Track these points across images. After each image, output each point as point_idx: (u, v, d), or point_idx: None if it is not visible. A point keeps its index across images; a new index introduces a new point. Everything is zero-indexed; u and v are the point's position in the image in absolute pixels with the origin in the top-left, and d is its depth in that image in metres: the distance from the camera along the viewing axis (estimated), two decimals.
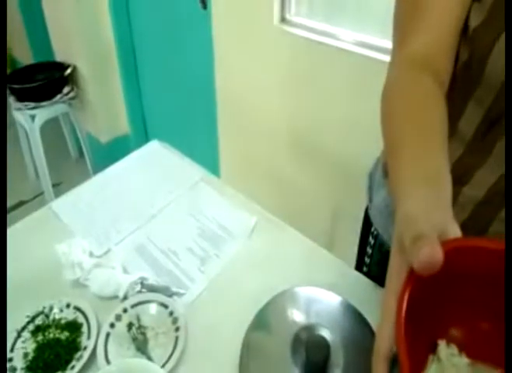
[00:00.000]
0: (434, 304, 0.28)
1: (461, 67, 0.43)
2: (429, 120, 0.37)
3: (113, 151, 1.96)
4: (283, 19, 1.23)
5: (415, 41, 0.41)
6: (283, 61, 1.25)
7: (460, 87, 0.44)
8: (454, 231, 0.28)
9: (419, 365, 0.28)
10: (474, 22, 0.40)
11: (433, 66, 0.40)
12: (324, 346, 0.46)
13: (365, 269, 0.69)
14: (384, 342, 0.26)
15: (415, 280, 0.25)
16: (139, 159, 0.86)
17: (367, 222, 0.65)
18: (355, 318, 0.53)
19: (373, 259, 0.67)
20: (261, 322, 0.53)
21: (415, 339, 0.26)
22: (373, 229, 0.64)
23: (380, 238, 0.62)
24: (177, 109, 1.77)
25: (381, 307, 0.28)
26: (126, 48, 1.81)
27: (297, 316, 0.52)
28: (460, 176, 0.48)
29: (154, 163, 0.85)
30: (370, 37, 1.07)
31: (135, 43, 1.81)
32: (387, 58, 1.03)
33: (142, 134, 2.04)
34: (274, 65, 1.28)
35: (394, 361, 0.26)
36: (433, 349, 0.29)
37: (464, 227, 0.32)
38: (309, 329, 0.50)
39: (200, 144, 1.71)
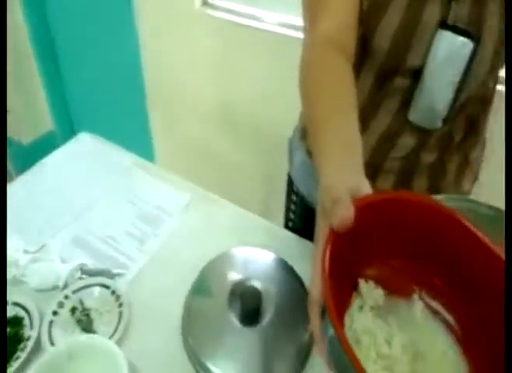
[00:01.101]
0: (354, 251, 0.32)
1: (357, 42, 0.51)
2: (343, 94, 0.43)
3: (37, 152, 1.85)
4: (205, 3, 1.25)
5: (324, 22, 0.48)
6: (208, 43, 1.28)
7: (356, 57, 0.51)
8: (366, 189, 0.33)
9: (345, 303, 0.32)
10: (364, 6, 0.49)
11: (341, 43, 0.48)
12: (256, 294, 0.51)
13: (290, 224, 0.75)
14: (316, 291, 0.30)
15: (335, 235, 0.29)
16: (69, 152, 0.85)
17: (290, 183, 0.71)
18: (285, 270, 0.58)
19: (295, 214, 0.73)
20: (201, 284, 0.56)
21: (341, 282, 0.30)
22: (294, 188, 0.70)
23: (301, 195, 0.69)
24: (105, 99, 1.72)
25: (311, 264, 0.32)
26: (42, 40, 1.69)
27: (233, 274, 0.56)
28: (359, 128, 0.56)
29: (85, 155, 0.85)
30: (292, 17, 1.12)
31: (52, 33, 1.71)
32: None
33: (68, 129, 1.95)
34: (199, 48, 1.30)
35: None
36: (356, 287, 0.33)
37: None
38: (243, 282, 0.54)
39: (132, 131, 1.68)
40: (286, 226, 0.72)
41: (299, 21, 1.11)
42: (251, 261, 0.59)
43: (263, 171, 1.41)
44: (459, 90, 0.49)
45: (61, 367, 0.47)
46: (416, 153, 0.58)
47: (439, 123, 0.53)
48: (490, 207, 0.42)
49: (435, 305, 0.31)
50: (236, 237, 0.67)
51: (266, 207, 1.46)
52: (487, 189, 0.68)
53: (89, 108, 1.86)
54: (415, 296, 0.32)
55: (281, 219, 0.78)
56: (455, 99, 0.50)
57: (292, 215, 0.74)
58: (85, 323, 0.55)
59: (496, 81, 0.59)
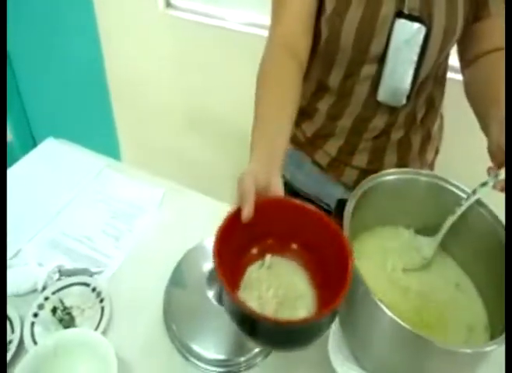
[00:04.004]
0: (254, 233, 0.44)
1: (324, 41, 0.60)
2: (284, 92, 0.53)
3: None
4: (168, 4, 1.25)
5: (281, 27, 0.57)
6: (172, 44, 1.28)
7: (325, 55, 0.62)
8: (275, 183, 0.42)
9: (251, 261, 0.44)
10: (328, 9, 0.57)
11: (294, 46, 0.57)
12: None
13: None
14: None
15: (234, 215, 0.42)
16: (37, 159, 0.85)
17: None
18: None
19: None
20: (179, 273, 0.59)
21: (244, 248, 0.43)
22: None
23: (285, 180, 0.76)
24: (67, 104, 1.69)
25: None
26: None
27: (209, 261, 0.59)
28: (335, 115, 0.67)
29: (54, 160, 0.84)
30: (256, 16, 1.14)
31: (8, 40, 1.66)
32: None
33: (28, 138, 1.90)
34: (164, 49, 1.31)
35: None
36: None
37: (340, 149, 0.65)
38: None
39: (97, 134, 1.66)
40: None
41: (263, 19, 1.15)
42: None
43: (234, 165, 1.44)
44: (418, 68, 0.58)
45: (48, 362, 0.48)
46: (387, 133, 0.67)
47: (403, 100, 0.61)
48: (455, 185, 0.51)
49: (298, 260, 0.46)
50: (211, 227, 0.69)
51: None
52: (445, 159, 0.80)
53: (50, 116, 1.81)
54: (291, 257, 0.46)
55: None
56: (415, 76, 0.59)
57: None
58: (68, 321, 0.56)
59: (447, 62, 0.68)
